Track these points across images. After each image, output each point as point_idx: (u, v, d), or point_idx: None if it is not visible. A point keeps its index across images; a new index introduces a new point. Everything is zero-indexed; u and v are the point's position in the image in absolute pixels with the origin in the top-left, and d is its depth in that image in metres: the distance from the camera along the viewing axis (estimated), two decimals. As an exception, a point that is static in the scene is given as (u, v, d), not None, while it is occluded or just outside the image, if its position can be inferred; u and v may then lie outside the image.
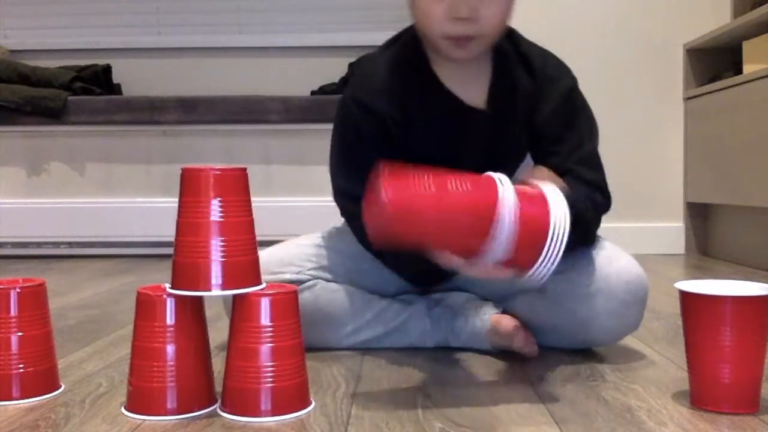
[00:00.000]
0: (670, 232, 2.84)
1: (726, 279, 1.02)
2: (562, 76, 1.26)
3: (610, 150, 3.01)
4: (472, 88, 1.23)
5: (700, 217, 2.83)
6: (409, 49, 1.23)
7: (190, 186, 0.96)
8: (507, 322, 1.22)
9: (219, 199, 0.94)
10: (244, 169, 0.98)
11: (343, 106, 1.25)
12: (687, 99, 2.80)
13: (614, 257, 1.22)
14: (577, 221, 1.10)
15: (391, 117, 1.20)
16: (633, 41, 2.82)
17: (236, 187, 0.96)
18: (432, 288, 1.33)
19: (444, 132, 1.22)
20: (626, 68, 2.81)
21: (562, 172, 1.20)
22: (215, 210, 0.94)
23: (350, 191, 1.21)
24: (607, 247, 1.23)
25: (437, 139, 1.22)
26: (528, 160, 1.26)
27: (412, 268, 1.26)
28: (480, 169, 1.21)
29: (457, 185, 0.93)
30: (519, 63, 1.24)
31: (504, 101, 1.23)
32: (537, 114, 1.23)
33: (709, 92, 2.62)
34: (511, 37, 1.26)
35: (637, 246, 2.74)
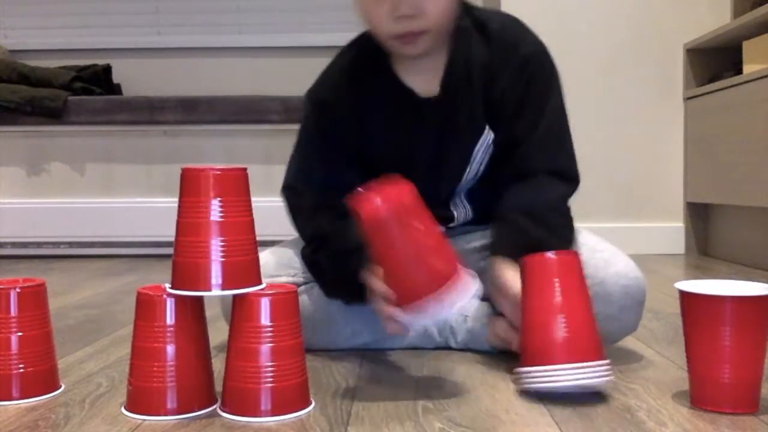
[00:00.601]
0: (670, 232, 2.84)
1: (726, 279, 1.02)
2: (519, 43, 1.22)
3: (610, 150, 3.02)
4: (428, 76, 1.23)
5: (700, 217, 2.83)
6: (368, 48, 1.24)
7: (190, 186, 0.96)
8: (505, 323, 1.21)
9: (219, 199, 0.94)
10: (245, 169, 0.98)
11: (304, 107, 1.30)
12: (687, 99, 2.80)
13: (611, 261, 1.19)
14: (550, 225, 1.16)
15: (342, 111, 1.23)
16: (633, 41, 2.82)
17: (236, 187, 0.96)
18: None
19: (397, 125, 1.23)
20: (626, 68, 2.81)
21: (524, 158, 1.20)
22: (215, 210, 0.94)
23: (296, 184, 1.26)
24: (604, 249, 1.22)
25: (390, 131, 1.24)
26: (488, 134, 1.24)
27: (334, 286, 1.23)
28: (434, 154, 1.23)
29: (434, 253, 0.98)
30: (476, 35, 1.22)
31: (457, 84, 1.22)
32: (494, 87, 1.21)
33: (709, 92, 2.62)
34: (468, 10, 1.25)
35: (637, 246, 2.74)
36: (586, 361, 0.98)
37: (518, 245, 1.10)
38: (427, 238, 0.97)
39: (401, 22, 1.13)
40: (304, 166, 1.27)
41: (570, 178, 1.23)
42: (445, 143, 1.24)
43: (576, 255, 1.05)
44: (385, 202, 0.95)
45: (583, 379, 0.98)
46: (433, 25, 1.15)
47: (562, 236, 1.18)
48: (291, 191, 1.27)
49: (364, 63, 1.25)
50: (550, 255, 1.03)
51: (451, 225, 1.32)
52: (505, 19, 1.26)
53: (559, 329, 0.99)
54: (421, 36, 1.15)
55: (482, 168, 1.26)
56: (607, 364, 1.00)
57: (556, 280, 1.01)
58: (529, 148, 1.20)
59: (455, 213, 1.31)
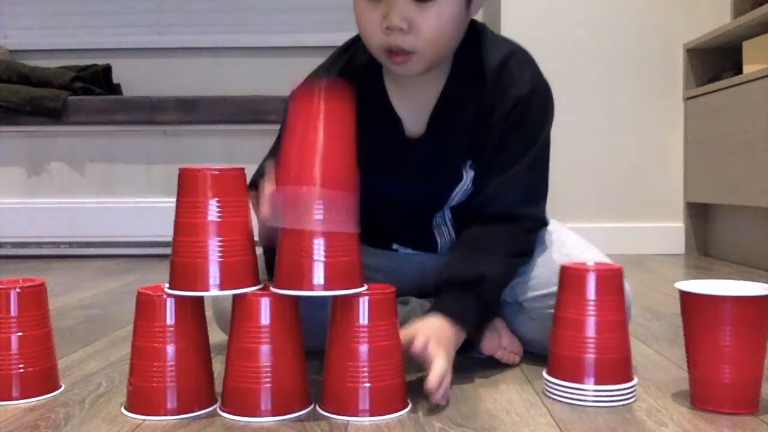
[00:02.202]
0: (670, 232, 2.84)
1: (726, 279, 1.02)
2: (513, 85, 1.15)
3: (610, 150, 3.02)
4: (418, 108, 1.17)
5: (700, 217, 2.83)
6: (360, 58, 1.18)
7: (187, 186, 0.96)
8: (496, 335, 1.19)
9: (217, 199, 0.94)
10: (242, 169, 0.98)
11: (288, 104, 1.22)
12: (687, 99, 2.80)
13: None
14: (498, 285, 1.13)
15: None
16: (633, 41, 2.82)
17: (234, 187, 0.96)
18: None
19: (380, 155, 1.18)
20: (626, 68, 2.81)
21: (493, 196, 1.15)
22: (213, 210, 0.94)
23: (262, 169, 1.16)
24: (575, 251, 1.20)
25: (372, 157, 1.14)
26: (468, 174, 1.20)
27: None
28: (415, 187, 1.19)
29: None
30: (475, 70, 1.16)
31: (445, 125, 1.17)
32: (481, 127, 1.16)
33: (709, 92, 2.62)
34: (477, 37, 1.18)
35: (637, 246, 2.74)
36: (615, 384, 0.99)
37: (454, 312, 1.07)
38: (332, 147, 0.94)
39: (391, 34, 1.06)
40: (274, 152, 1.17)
41: (533, 223, 1.18)
42: (425, 178, 1.20)
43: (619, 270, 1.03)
44: (328, 99, 0.95)
45: (609, 402, 0.98)
46: (425, 48, 1.07)
47: (490, 311, 1.15)
48: (258, 175, 1.15)
49: (355, 75, 1.17)
50: (591, 269, 1.02)
51: (437, 252, 1.29)
52: (506, 54, 1.17)
53: (590, 350, 0.99)
54: (410, 56, 1.07)
55: (462, 203, 1.23)
56: (633, 386, 1.01)
57: (592, 298, 1.00)
58: (500, 187, 1.15)
59: (438, 239, 1.27)
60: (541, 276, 1.17)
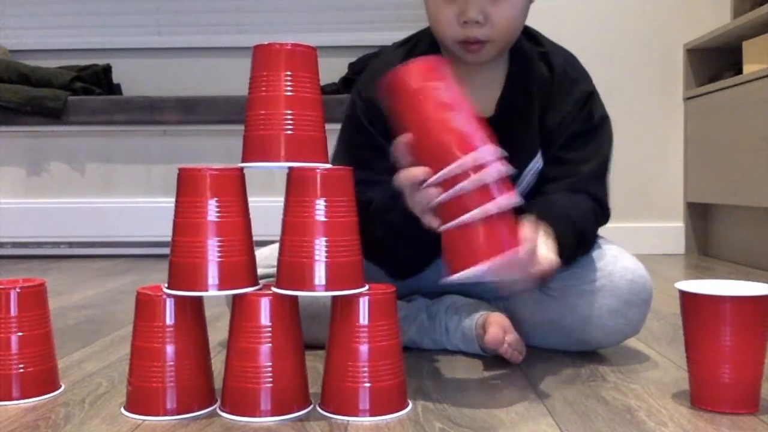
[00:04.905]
0: (670, 232, 2.84)
1: (726, 279, 1.02)
2: (580, 79, 1.25)
3: (610, 150, 2.98)
4: (484, 93, 1.22)
5: (700, 217, 2.83)
6: (422, 49, 1.23)
7: (186, 186, 0.96)
8: (498, 328, 1.20)
9: (216, 199, 0.94)
10: (241, 169, 0.98)
11: (351, 100, 1.28)
12: (687, 99, 2.80)
13: (619, 257, 1.22)
14: (582, 238, 1.16)
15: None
16: (633, 41, 2.82)
17: (233, 187, 0.96)
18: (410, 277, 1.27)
19: None
20: (626, 68, 2.81)
21: (568, 179, 1.21)
22: (212, 210, 0.94)
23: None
24: (613, 248, 1.24)
25: None
26: (538, 160, 1.24)
27: (390, 255, 1.20)
28: None
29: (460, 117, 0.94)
30: (539, 62, 1.24)
31: (515, 108, 1.22)
32: (550, 115, 1.22)
33: (709, 92, 2.62)
34: (533, 38, 1.26)
35: (637, 246, 2.74)
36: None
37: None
38: (452, 107, 0.94)
39: (468, 27, 1.13)
40: (353, 160, 1.17)
41: (606, 212, 1.24)
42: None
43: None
44: (412, 67, 0.95)
45: None
46: (499, 36, 1.15)
47: (578, 247, 1.18)
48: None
49: None
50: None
51: None
52: (567, 55, 1.27)
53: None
54: (485, 45, 1.15)
55: (527, 191, 1.25)
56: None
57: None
58: (582, 177, 1.21)
59: None
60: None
